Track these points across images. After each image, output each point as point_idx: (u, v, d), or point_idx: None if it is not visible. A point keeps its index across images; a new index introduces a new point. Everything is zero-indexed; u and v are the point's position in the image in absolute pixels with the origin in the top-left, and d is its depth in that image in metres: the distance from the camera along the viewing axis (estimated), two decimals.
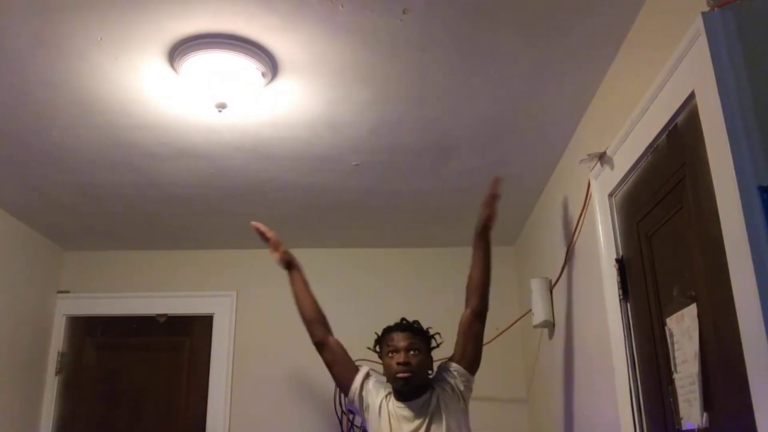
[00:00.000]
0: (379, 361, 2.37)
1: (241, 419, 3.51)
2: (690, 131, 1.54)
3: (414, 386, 2.26)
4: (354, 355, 2.45)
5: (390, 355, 2.29)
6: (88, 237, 3.58)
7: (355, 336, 3.57)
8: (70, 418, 3.55)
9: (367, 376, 2.37)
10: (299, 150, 2.61)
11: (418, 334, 2.33)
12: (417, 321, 2.39)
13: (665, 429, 1.73)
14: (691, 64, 1.48)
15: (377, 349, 2.39)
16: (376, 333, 2.40)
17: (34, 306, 3.50)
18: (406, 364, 2.24)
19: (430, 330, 2.39)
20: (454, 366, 2.32)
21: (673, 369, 1.65)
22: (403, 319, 2.40)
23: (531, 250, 3.36)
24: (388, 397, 2.31)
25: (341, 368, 2.39)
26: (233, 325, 3.65)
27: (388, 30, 1.88)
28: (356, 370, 2.39)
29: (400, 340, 2.29)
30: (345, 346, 2.43)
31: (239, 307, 3.69)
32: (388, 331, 2.35)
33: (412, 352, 2.26)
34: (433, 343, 2.38)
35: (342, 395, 2.76)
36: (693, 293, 1.57)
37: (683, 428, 1.60)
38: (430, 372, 2.34)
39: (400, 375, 2.23)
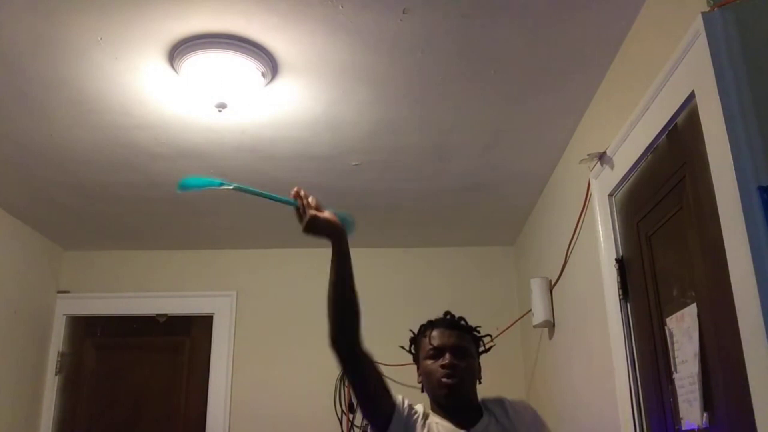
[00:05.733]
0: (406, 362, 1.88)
1: (241, 419, 3.51)
2: (690, 131, 1.54)
3: (460, 398, 1.76)
4: None
5: (431, 357, 1.78)
6: (88, 237, 3.58)
7: None
8: (70, 418, 3.55)
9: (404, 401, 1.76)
10: (299, 150, 2.61)
11: (467, 333, 1.83)
12: (463, 317, 1.87)
13: (665, 429, 1.73)
14: (691, 64, 1.48)
15: (412, 350, 1.89)
16: (411, 331, 1.91)
17: (34, 306, 3.50)
18: (452, 367, 1.74)
19: (479, 330, 1.87)
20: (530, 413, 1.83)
21: (673, 369, 1.65)
22: (447, 312, 1.89)
23: (531, 250, 3.36)
24: (426, 419, 1.74)
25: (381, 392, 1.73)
26: (233, 325, 3.65)
27: (388, 30, 1.88)
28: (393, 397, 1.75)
29: (445, 338, 1.78)
30: None
31: (239, 307, 3.69)
32: (430, 327, 1.84)
33: (459, 354, 1.76)
34: (482, 347, 1.88)
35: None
36: (693, 293, 1.57)
37: (683, 428, 1.60)
38: (479, 381, 1.83)
39: (445, 380, 1.73)
